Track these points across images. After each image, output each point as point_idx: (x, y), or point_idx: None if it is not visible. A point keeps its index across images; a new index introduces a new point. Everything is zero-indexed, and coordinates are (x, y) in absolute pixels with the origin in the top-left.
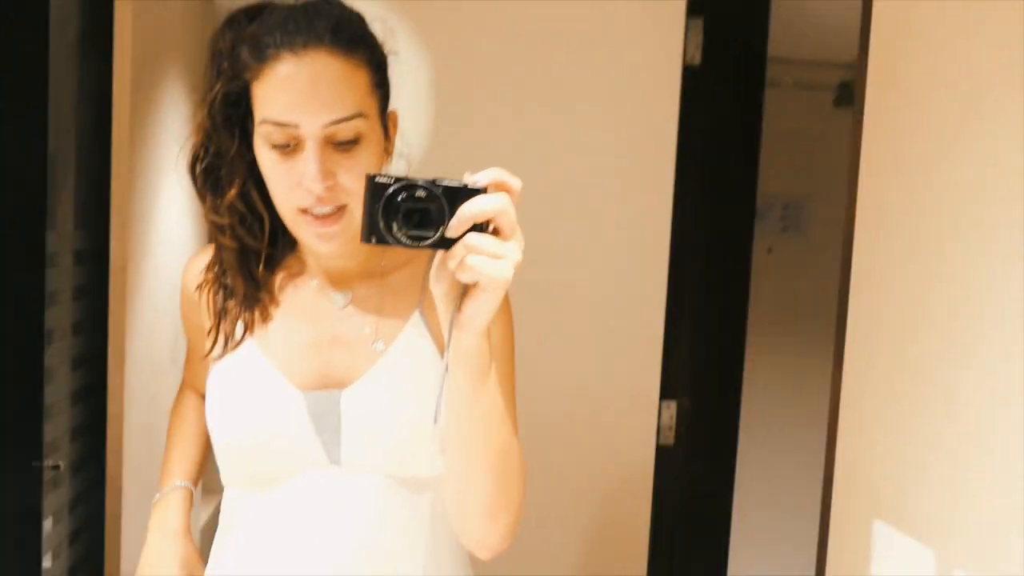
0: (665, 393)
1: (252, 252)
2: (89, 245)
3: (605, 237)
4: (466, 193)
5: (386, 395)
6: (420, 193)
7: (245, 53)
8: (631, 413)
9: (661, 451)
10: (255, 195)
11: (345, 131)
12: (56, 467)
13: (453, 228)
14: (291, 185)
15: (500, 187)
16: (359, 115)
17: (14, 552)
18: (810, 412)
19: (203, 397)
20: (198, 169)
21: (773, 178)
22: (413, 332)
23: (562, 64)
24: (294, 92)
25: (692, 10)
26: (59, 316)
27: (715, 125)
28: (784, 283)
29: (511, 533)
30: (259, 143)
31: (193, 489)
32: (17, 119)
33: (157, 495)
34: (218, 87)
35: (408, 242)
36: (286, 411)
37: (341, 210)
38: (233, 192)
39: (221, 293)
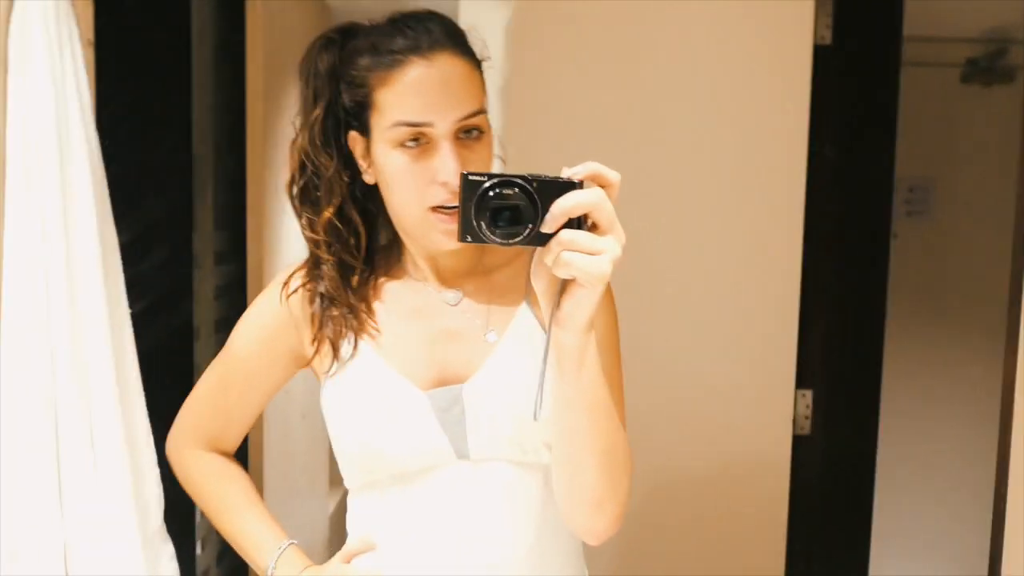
0: (801, 382)
1: (349, 265)
2: (228, 246)
3: (737, 225)
4: (560, 187)
5: (505, 384)
6: (510, 190)
7: (367, 62)
8: (766, 402)
9: (798, 441)
10: (352, 211)
11: (472, 126)
12: None
13: (547, 223)
14: (424, 184)
15: (596, 180)
16: (482, 111)
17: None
18: (951, 400)
19: (223, 454)
20: (295, 189)
21: (899, 160)
22: (523, 323)
23: (686, 47)
24: (427, 93)
25: None
26: (203, 314)
27: (848, 106)
28: (911, 268)
29: (618, 521)
30: (386, 148)
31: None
32: (164, 127)
33: (272, 565)
34: (318, 108)
35: (500, 239)
36: (413, 412)
37: None
38: (331, 210)
39: (321, 305)
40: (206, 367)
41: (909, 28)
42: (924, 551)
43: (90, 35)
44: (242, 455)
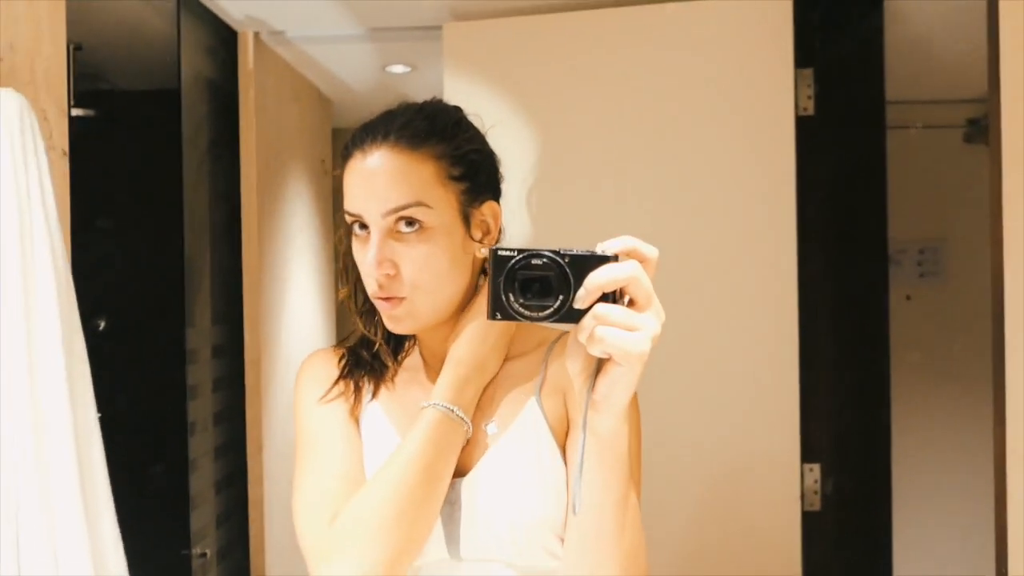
0: (807, 456)
1: (368, 347)
2: (225, 340)
3: (731, 298)
4: (595, 261)
5: (503, 482)
6: (538, 261)
7: (345, 147)
8: (773, 478)
9: (807, 517)
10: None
11: (405, 218)
12: (204, 555)
13: (581, 298)
14: (366, 271)
15: (633, 255)
16: (418, 203)
17: None
18: (969, 465)
19: None
20: (343, 256)
21: (907, 223)
22: (529, 418)
23: (670, 125)
24: (359, 185)
25: (800, 62)
26: (200, 408)
27: (834, 174)
28: (926, 330)
29: None
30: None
31: None
32: (156, 223)
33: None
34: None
35: (528, 314)
36: None
37: (403, 301)
38: (345, 291)
39: (347, 364)
40: (201, 460)
41: (906, 93)
42: None
43: (64, 144)
44: (243, 545)
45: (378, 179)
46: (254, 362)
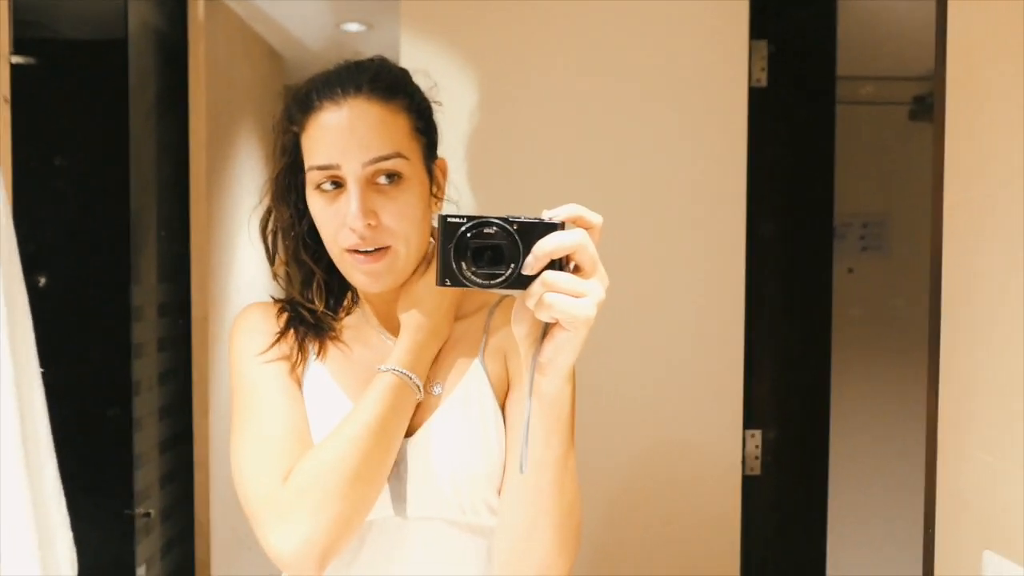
0: (749, 422)
1: (308, 308)
2: (172, 298)
3: (679, 266)
4: (542, 229)
5: (448, 441)
6: (489, 230)
7: (294, 109)
8: (715, 444)
9: (748, 481)
10: (306, 257)
11: (384, 170)
12: (147, 514)
13: (529, 265)
14: (337, 226)
15: (579, 223)
16: (397, 155)
17: None
18: (904, 436)
19: None
20: (267, 233)
21: (851, 197)
22: (473, 379)
23: (623, 93)
24: (335, 136)
25: (755, 34)
26: (145, 367)
27: (785, 146)
28: (868, 303)
29: None
30: (309, 190)
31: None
32: (100, 177)
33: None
34: (282, 160)
35: (480, 281)
36: None
37: (386, 251)
38: (286, 255)
39: (288, 321)
40: (146, 420)
41: (856, 68)
42: None
43: (5, 91)
44: (188, 505)
45: (358, 130)
46: (201, 320)
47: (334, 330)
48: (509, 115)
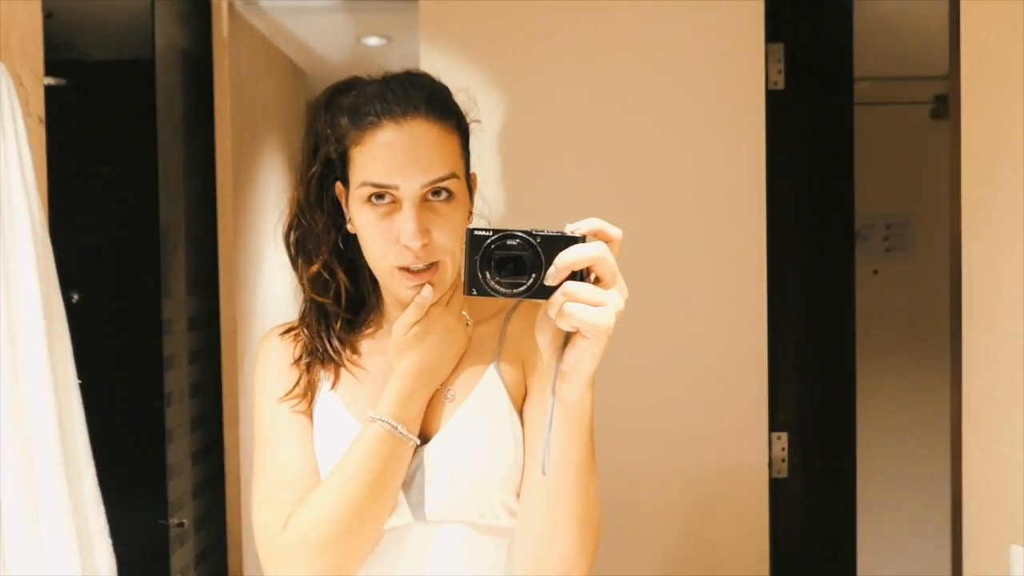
0: (775, 425)
1: (332, 315)
2: (201, 311)
3: (700, 271)
4: (564, 242)
5: (465, 446)
6: (512, 242)
7: (345, 122)
8: (741, 447)
9: (775, 484)
10: (336, 264)
11: (440, 191)
12: (181, 525)
13: (551, 276)
14: (388, 243)
15: (599, 236)
16: (452, 175)
17: None
18: (931, 435)
19: None
20: (291, 240)
21: (874, 199)
22: (488, 385)
23: (641, 100)
24: (395, 156)
25: (771, 37)
26: (176, 379)
27: (804, 148)
28: (893, 304)
29: None
30: (356, 205)
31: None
32: (130, 194)
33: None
34: (316, 166)
35: (503, 290)
36: None
37: (435, 267)
38: (318, 264)
39: (304, 350)
40: (178, 431)
41: (876, 69)
42: None
43: (40, 112)
44: (220, 515)
45: (419, 151)
46: (230, 333)
47: (347, 355)
48: (527, 123)
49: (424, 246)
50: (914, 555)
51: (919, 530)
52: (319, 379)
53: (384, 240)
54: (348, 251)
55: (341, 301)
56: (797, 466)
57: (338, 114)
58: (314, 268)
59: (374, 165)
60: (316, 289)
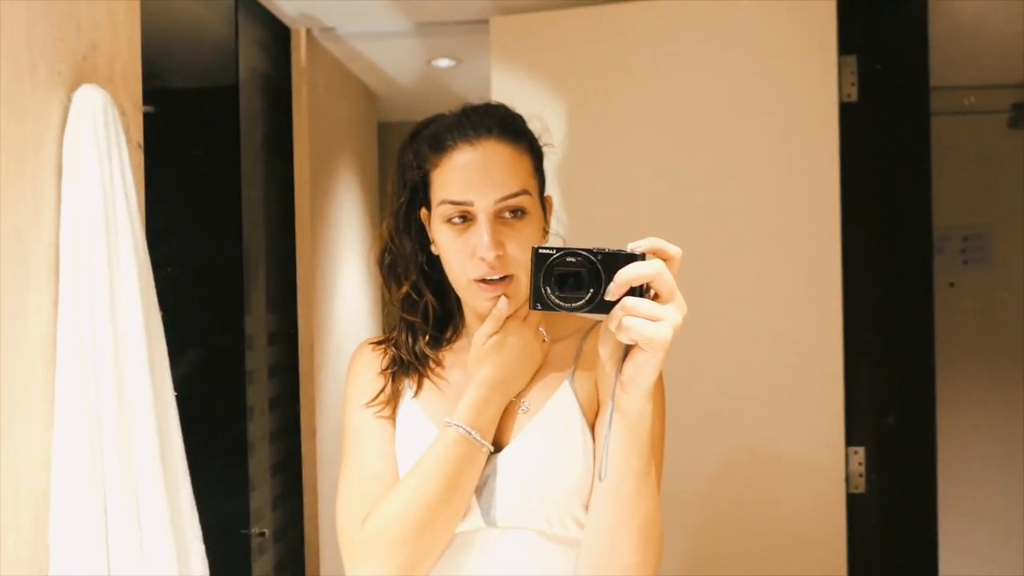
0: (851, 439)
1: (420, 331)
2: (280, 327)
3: (776, 285)
4: (624, 259)
5: (537, 456)
6: (573, 259)
7: (426, 148)
8: (818, 461)
9: (853, 499)
10: (423, 285)
11: (512, 206)
12: (262, 534)
13: (611, 291)
14: (466, 257)
15: (658, 254)
16: (524, 192)
17: None
18: (1014, 448)
19: None
20: (384, 263)
21: (951, 210)
22: (562, 399)
23: (713, 115)
24: (469, 174)
25: (844, 48)
26: (257, 393)
27: (878, 161)
28: (970, 316)
29: None
30: (437, 224)
31: None
32: (216, 216)
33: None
34: (403, 195)
35: (564, 305)
36: None
37: (509, 279)
38: (408, 285)
39: (392, 363)
40: (258, 444)
41: (951, 78)
42: None
43: (139, 138)
44: (298, 526)
45: (492, 169)
46: (307, 348)
47: (431, 367)
48: (597, 140)
49: (498, 257)
50: (995, 567)
51: (1003, 544)
52: (403, 388)
53: (462, 255)
54: (434, 272)
55: (429, 318)
56: (875, 481)
57: (421, 144)
58: (404, 289)
59: (451, 184)
60: (406, 308)
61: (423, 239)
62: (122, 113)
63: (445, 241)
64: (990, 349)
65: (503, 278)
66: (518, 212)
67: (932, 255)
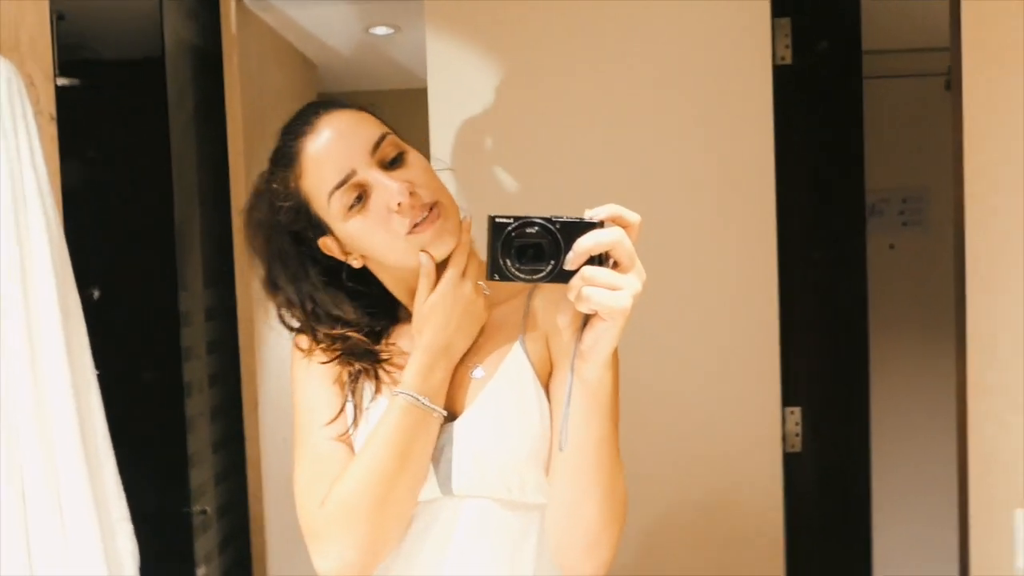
0: (787, 400)
1: (363, 348)
2: (218, 303)
3: (711, 248)
4: (582, 227)
5: (493, 422)
6: (532, 229)
7: (281, 172)
8: (754, 422)
9: (789, 458)
10: (346, 305)
11: (390, 153)
12: (204, 512)
13: (570, 261)
14: (386, 222)
15: (617, 221)
16: (390, 131)
17: None
18: (945, 407)
19: None
20: (316, 337)
21: (890, 173)
22: (514, 362)
23: (646, 78)
24: (330, 150)
25: (778, 11)
26: (195, 370)
27: (812, 123)
28: (909, 279)
29: (608, 565)
30: (342, 225)
31: None
32: (144, 190)
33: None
34: (287, 238)
35: (524, 276)
36: None
37: (435, 208)
38: (329, 328)
39: (347, 374)
40: (198, 420)
41: (888, 41)
42: (926, 561)
43: (51, 110)
44: (242, 503)
45: (345, 132)
46: (247, 323)
47: (383, 365)
48: (532, 108)
49: (411, 195)
50: (927, 523)
51: (932, 499)
52: (364, 397)
53: (382, 224)
54: (359, 284)
55: (362, 325)
56: (811, 440)
57: (272, 181)
58: (334, 332)
59: (324, 171)
60: (333, 337)
61: (331, 278)
62: (30, 84)
63: (359, 229)
64: (927, 308)
65: (431, 209)
66: (397, 159)
67: (866, 217)
